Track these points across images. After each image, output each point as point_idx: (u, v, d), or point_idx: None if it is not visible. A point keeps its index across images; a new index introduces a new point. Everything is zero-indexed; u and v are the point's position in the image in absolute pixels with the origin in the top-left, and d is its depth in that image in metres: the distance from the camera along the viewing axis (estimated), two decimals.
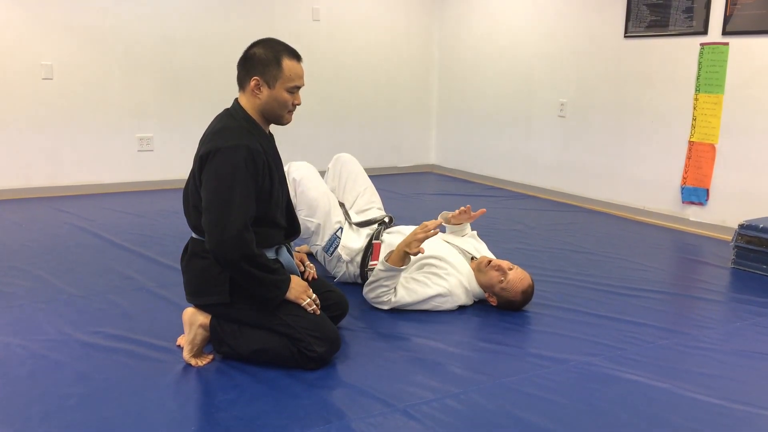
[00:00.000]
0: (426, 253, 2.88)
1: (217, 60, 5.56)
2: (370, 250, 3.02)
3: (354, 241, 3.09)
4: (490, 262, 2.85)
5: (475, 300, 2.93)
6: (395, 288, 2.79)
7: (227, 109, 2.32)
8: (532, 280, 2.86)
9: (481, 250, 3.15)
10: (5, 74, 4.86)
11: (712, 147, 4.39)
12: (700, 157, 4.47)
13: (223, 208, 2.10)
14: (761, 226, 3.52)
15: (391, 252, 2.74)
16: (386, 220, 3.25)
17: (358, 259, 3.06)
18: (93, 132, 5.24)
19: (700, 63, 4.41)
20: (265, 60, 2.20)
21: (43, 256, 3.50)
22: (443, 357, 2.40)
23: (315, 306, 2.29)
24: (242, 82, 2.26)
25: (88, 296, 2.93)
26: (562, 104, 5.44)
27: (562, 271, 3.47)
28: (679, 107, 4.57)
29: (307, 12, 5.94)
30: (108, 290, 3.01)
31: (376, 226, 3.17)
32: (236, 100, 2.30)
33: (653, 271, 3.56)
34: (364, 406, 2.03)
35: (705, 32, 4.37)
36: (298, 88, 2.26)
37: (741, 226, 3.61)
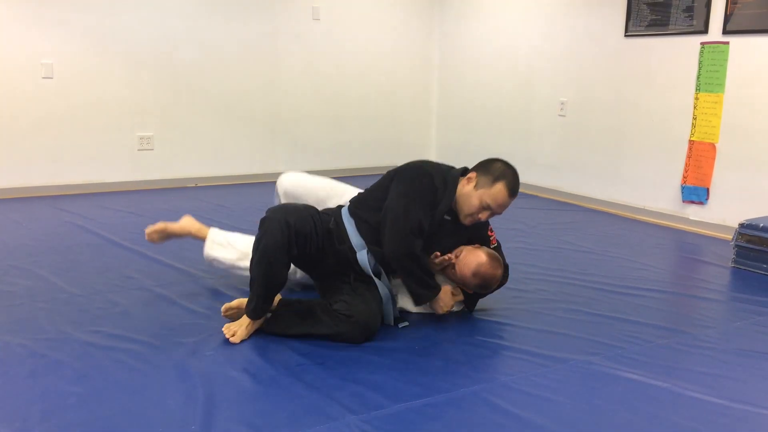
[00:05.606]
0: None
1: (218, 59, 5.54)
2: None
3: None
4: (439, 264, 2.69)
5: None
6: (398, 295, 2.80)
7: (452, 167, 2.64)
8: (487, 258, 2.60)
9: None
10: (5, 73, 4.86)
11: (713, 146, 4.39)
12: (700, 156, 4.47)
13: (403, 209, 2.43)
14: (761, 225, 3.52)
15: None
16: None
17: None
18: (93, 131, 5.24)
19: (700, 62, 4.41)
20: (492, 170, 2.52)
21: (43, 255, 3.50)
22: (443, 356, 2.40)
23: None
24: (470, 170, 2.58)
25: (88, 295, 2.93)
26: (562, 103, 5.44)
27: (562, 270, 3.47)
28: (679, 106, 4.57)
29: (307, 11, 5.94)
30: (108, 289, 3.01)
31: None
32: (460, 173, 2.59)
33: (653, 270, 3.56)
34: (364, 405, 2.02)
35: (705, 31, 4.37)
36: (491, 211, 2.52)
37: (741, 226, 3.61)
